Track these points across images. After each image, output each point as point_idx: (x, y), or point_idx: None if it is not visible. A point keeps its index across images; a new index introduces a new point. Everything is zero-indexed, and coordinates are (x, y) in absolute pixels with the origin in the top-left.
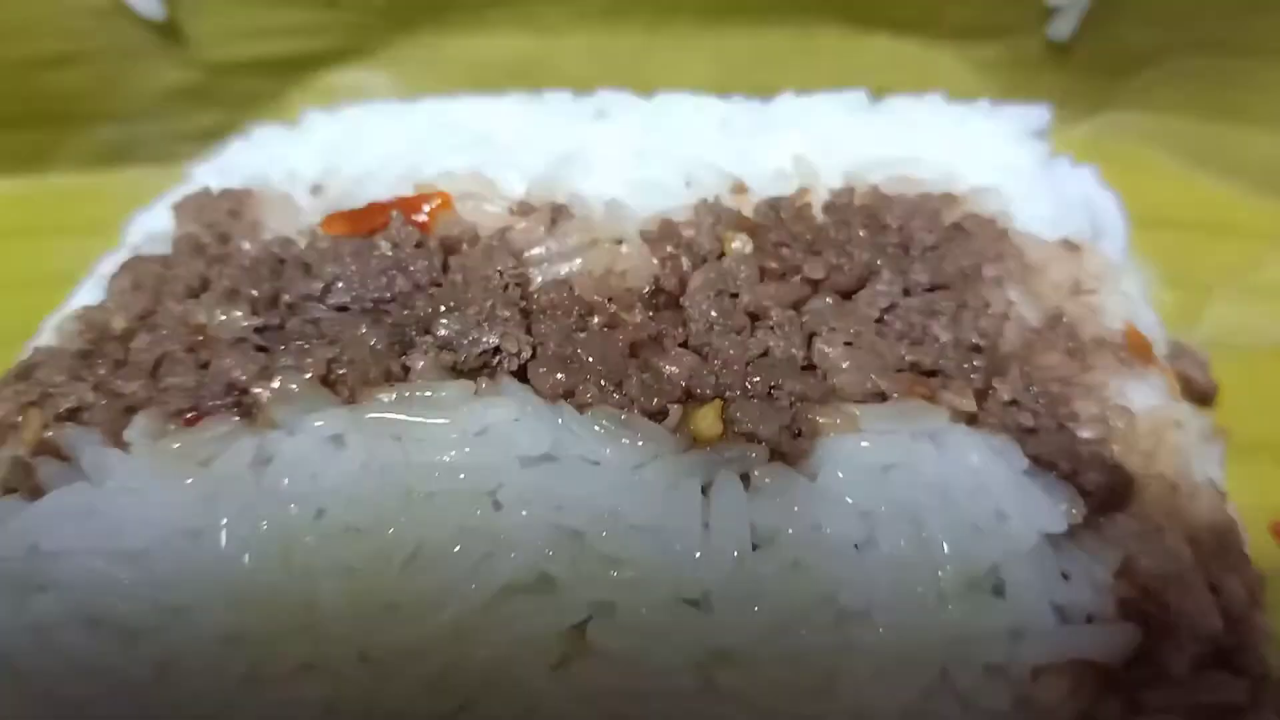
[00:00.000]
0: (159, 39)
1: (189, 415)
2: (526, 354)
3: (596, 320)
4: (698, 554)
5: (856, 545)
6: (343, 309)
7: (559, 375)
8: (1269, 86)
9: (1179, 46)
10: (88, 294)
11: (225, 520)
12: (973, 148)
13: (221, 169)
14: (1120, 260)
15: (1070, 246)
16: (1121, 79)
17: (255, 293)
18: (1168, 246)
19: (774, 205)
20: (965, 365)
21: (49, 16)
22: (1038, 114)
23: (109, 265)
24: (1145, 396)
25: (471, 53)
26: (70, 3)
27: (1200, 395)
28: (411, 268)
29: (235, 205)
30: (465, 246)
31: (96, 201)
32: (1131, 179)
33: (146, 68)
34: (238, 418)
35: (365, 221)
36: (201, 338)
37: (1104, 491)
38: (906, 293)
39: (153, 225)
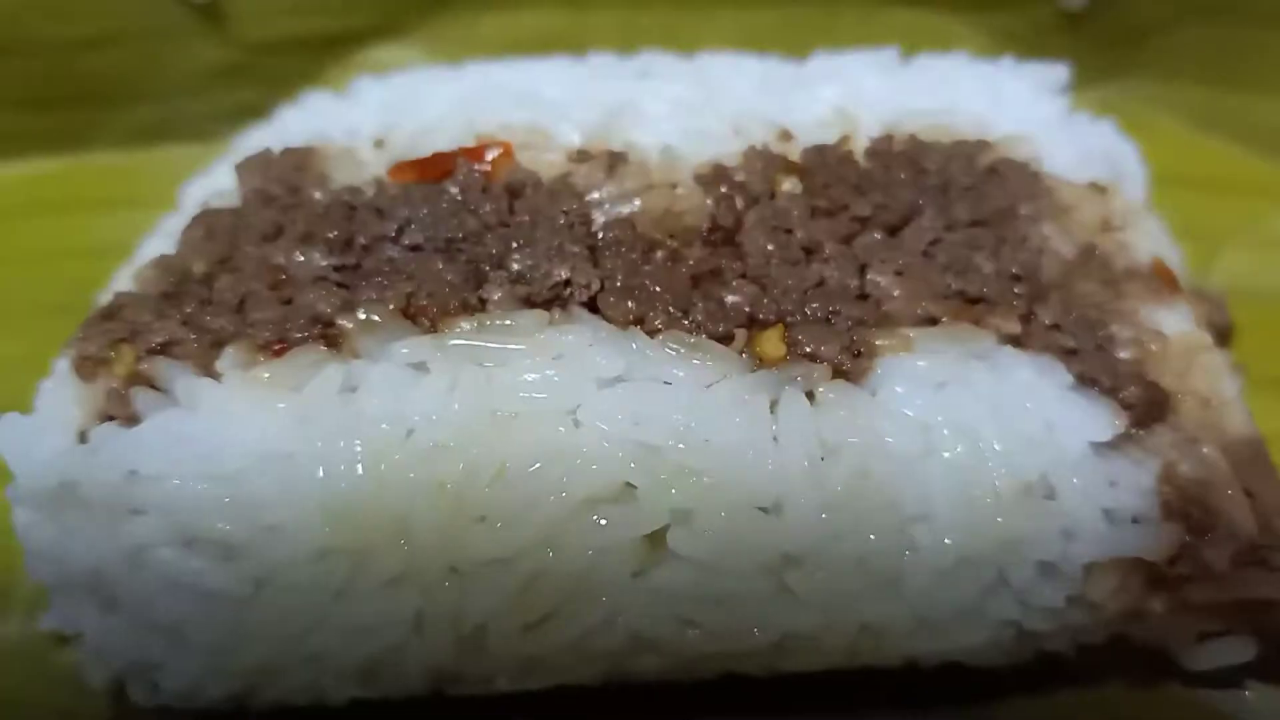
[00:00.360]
0: (199, 18)
1: (276, 346)
2: (596, 285)
3: (659, 255)
4: (769, 464)
5: (917, 455)
6: (416, 248)
7: (628, 304)
8: (1272, 54)
9: (1186, 16)
10: (155, 248)
11: (318, 441)
12: (1000, 100)
13: (277, 133)
14: (1142, 203)
15: (1098, 188)
16: (1132, 47)
17: (331, 235)
18: (1179, 203)
19: (819, 150)
20: (1008, 293)
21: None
22: (1058, 71)
23: (174, 223)
24: (1175, 322)
25: (506, 28)
26: None
27: (1218, 334)
28: (481, 209)
29: (300, 161)
30: (529, 191)
31: (137, 178)
32: (1143, 140)
33: (186, 46)
34: (324, 348)
35: (433, 168)
36: (283, 277)
37: (1143, 405)
38: (949, 228)
39: (213, 186)
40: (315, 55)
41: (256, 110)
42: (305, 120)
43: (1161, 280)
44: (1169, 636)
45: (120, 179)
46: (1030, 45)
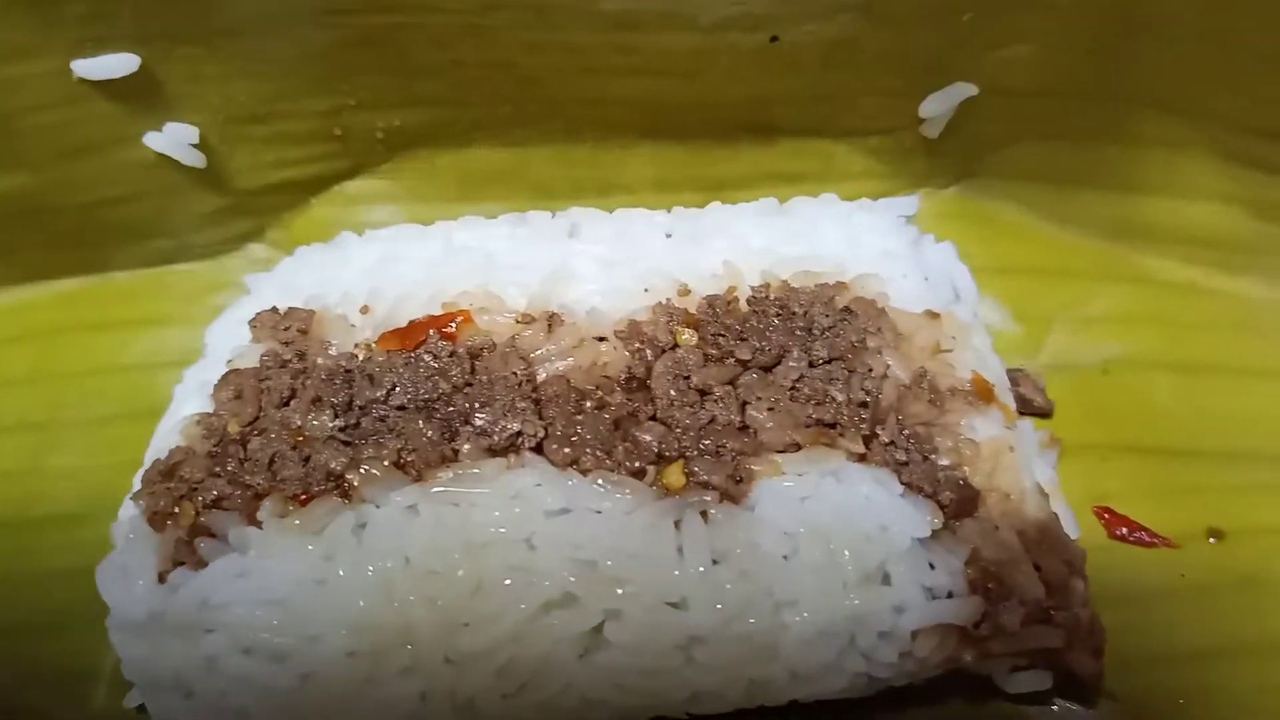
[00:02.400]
0: (198, 176)
1: (303, 497)
2: (541, 434)
3: (588, 404)
4: (675, 572)
5: (785, 556)
6: (402, 408)
7: (566, 450)
8: (1098, 161)
9: (1025, 135)
10: (191, 399)
11: (340, 571)
12: (858, 239)
13: (278, 285)
14: (970, 320)
15: (932, 315)
16: (981, 158)
17: (335, 400)
18: (1017, 288)
19: (711, 302)
20: (855, 418)
21: (106, 170)
22: (907, 203)
23: (200, 372)
24: (987, 428)
25: (459, 164)
26: (125, 159)
27: (1039, 411)
28: (450, 373)
29: (303, 324)
30: (486, 353)
31: (158, 295)
32: (988, 233)
33: (189, 196)
34: (338, 497)
35: (410, 337)
36: (302, 438)
37: (956, 504)
38: (811, 365)
39: (231, 338)
40: (299, 191)
41: (252, 235)
42: (301, 272)
43: (978, 393)
44: (990, 669)
45: (143, 297)
46: (898, 160)
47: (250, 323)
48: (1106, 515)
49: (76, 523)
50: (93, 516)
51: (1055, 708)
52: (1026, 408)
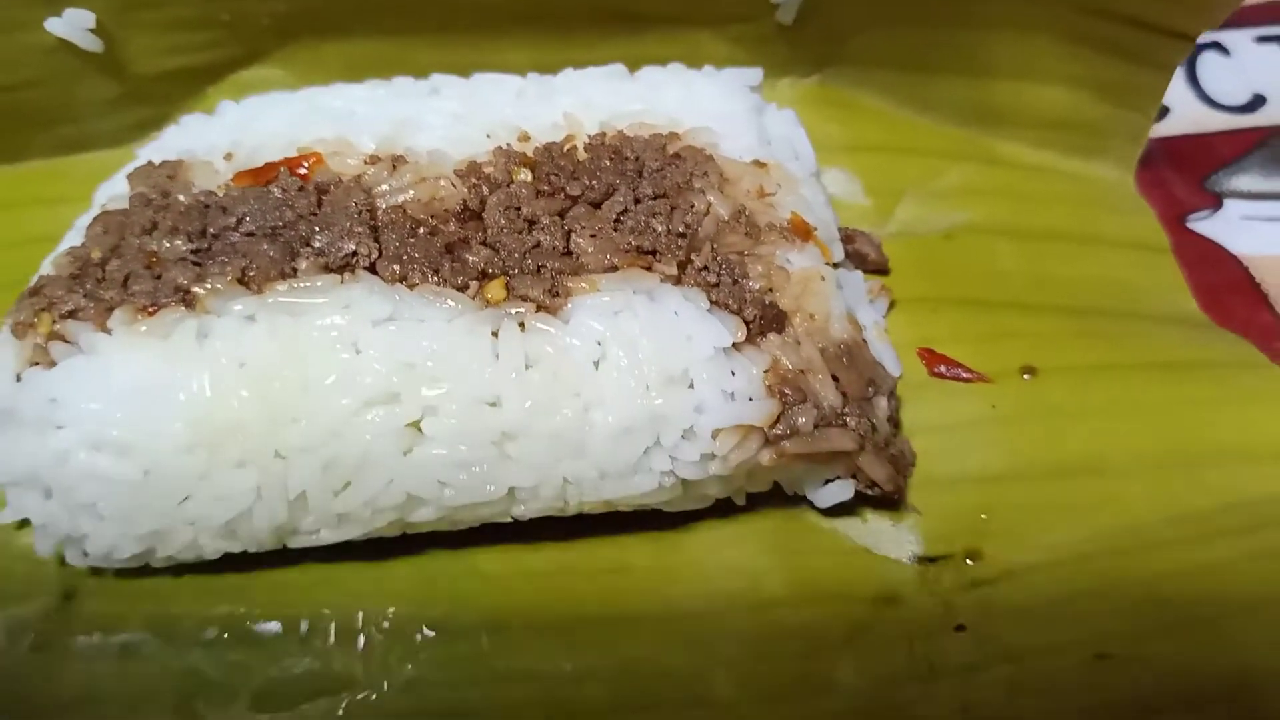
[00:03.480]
0: (99, 62)
1: (150, 309)
2: (374, 255)
3: (422, 230)
4: (489, 372)
5: (595, 362)
6: (250, 234)
7: (396, 267)
8: (949, 46)
9: (880, 20)
10: (71, 240)
11: (180, 373)
12: (696, 101)
13: (160, 147)
14: (804, 176)
15: (759, 164)
16: (836, 45)
17: (190, 229)
18: (871, 165)
19: (548, 147)
20: (673, 246)
21: (8, 56)
22: (752, 74)
23: (83, 220)
24: (801, 260)
25: (345, 52)
26: (26, 43)
27: (875, 267)
28: (296, 204)
29: (171, 171)
30: (333, 188)
31: (65, 180)
32: (847, 116)
33: (91, 84)
34: (184, 308)
35: (263, 175)
36: (155, 259)
37: (761, 321)
38: (637, 201)
39: (113, 190)
40: (195, 80)
41: (156, 122)
42: (182, 137)
43: (796, 230)
44: (803, 484)
45: (49, 180)
46: (760, 47)
47: (128, 176)
48: (927, 355)
49: None
50: None
51: (866, 521)
52: (862, 263)
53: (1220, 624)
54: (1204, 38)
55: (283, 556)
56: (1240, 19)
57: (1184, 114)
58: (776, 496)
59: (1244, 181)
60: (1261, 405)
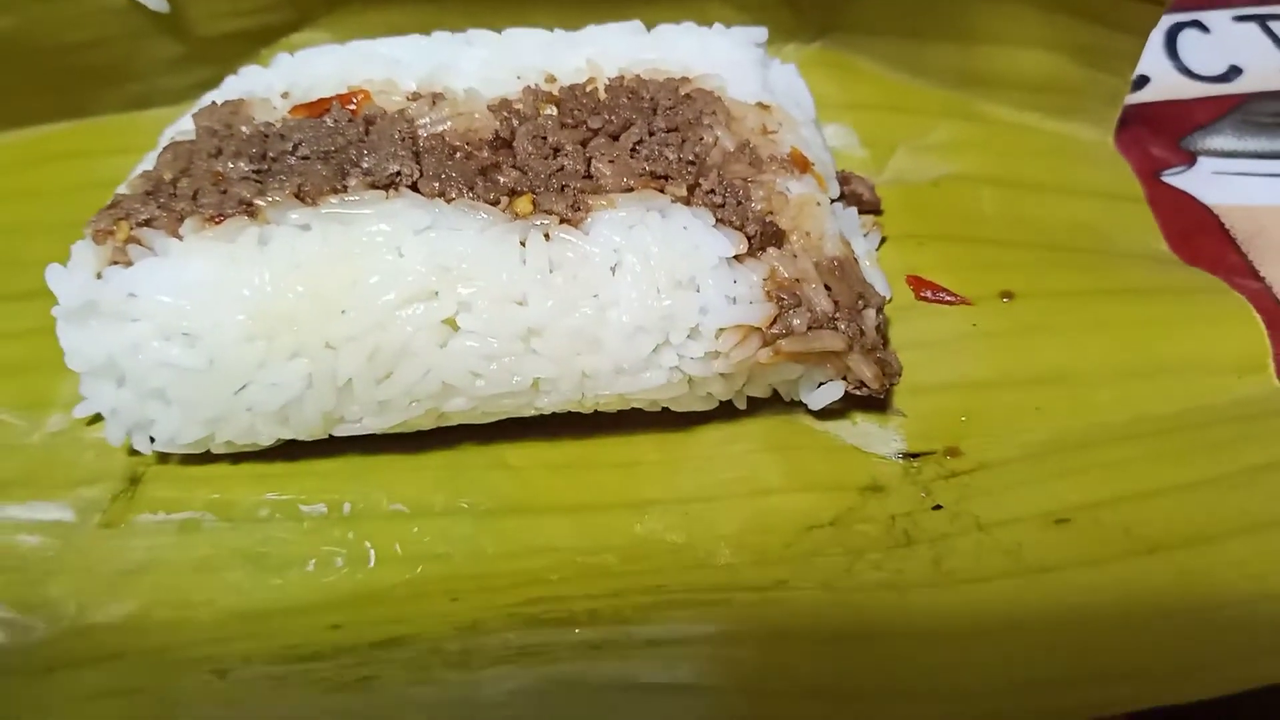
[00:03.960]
0: (164, 24)
1: (217, 218)
2: (416, 174)
3: (459, 155)
4: (518, 274)
5: (611, 268)
6: (305, 158)
7: (435, 184)
8: (940, 14)
9: None
10: (144, 168)
11: (244, 272)
12: (707, 52)
13: (221, 93)
14: (803, 118)
15: (763, 106)
16: (838, 13)
17: (251, 153)
18: (868, 120)
19: (572, 88)
20: (683, 172)
21: (81, 14)
22: (758, 32)
23: (153, 155)
24: (800, 188)
25: (386, 18)
26: (97, 3)
27: (868, 206)
28: (346, 133)
29: (234, 108)
30: (379, 120)
31: (133, 132)
32: (847, 79)
33: (157, 44)
34: (247, 218)
35: (316, 109)
36: (220, 179)
37: (761, 236)
38: (651, 134)
39: (179, 128)
40: (251, 43)
41: (214, 83)
42: (241, 84)
43: (795, 162)
44: (798, 388)
45: (118, 133)
46: (765, 14)
47: (193, 115)
48: (914, 281)
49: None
50: None
51: (855, 424)
52: (857, 202)
53: (1169, 495)
54: (1184, 16)
55: (328, 447)
56: (1220, 0)
57: (1162, 83)
58: (774, 403)
59: (1217, 142)
60: (1221, 324)
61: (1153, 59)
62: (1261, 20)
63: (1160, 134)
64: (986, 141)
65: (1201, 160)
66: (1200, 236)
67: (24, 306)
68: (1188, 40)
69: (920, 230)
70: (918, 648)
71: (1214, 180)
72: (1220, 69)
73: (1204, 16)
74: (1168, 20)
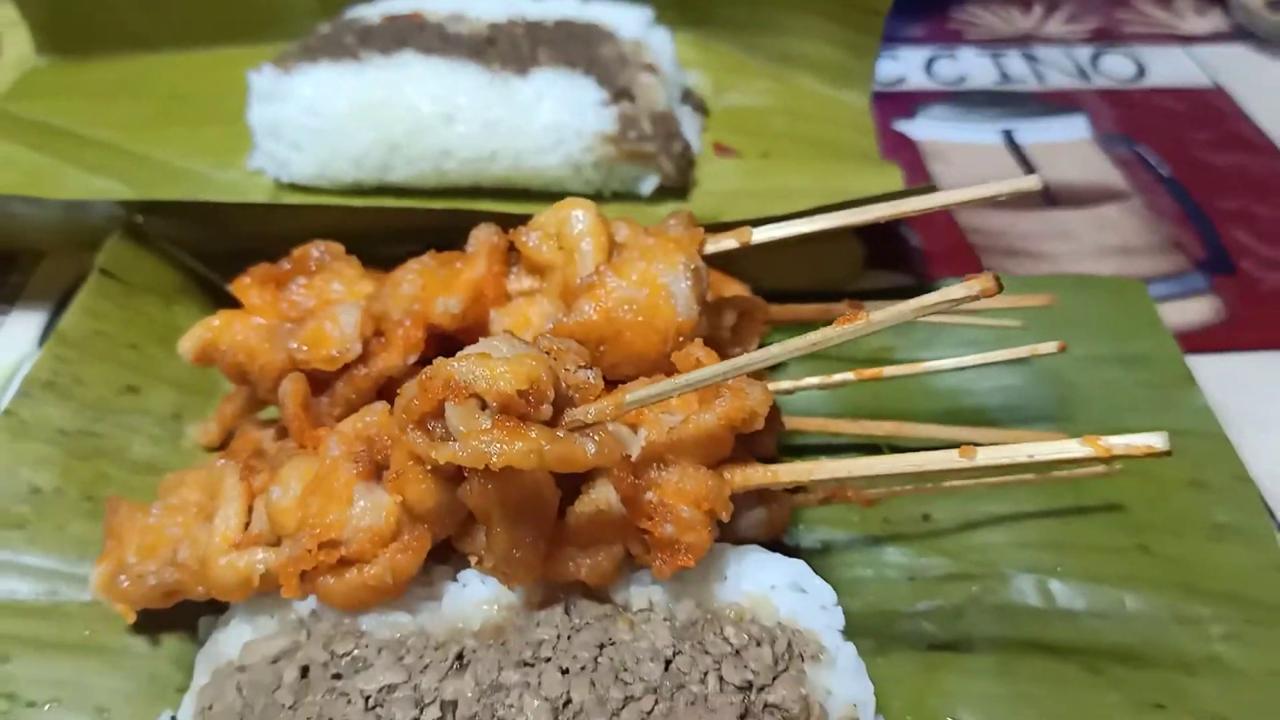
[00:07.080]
0: None
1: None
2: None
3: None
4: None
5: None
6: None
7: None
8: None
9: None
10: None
11: (351, 83)
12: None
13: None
14: (665, 55)
15: (637, 44)
16: (705, 12)
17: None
18: (715, 77)
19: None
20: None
21: None
22: (645, 11)
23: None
24: (649, 79)
25: None
26: None
27: (701, 109)
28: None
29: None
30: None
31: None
32: (706, 54)
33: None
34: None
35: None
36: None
37: (620, 94)
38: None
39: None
40: None
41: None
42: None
43: (647, 67)
44: (637, 185)
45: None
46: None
47: None
48: (718, 146)
49: None
50: None
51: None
52: (695, 104)
53: None
54: (939, 50)
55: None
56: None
57: (913, 84)
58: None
59: (935, 111)
60: (877, 174)
61: (914, 77)
62: (993, 54)
63: (899, 106)
64: (786, 93)
65: (920, 117)
66: (900, 153)
67: None
68: (940, 63)
69: (729, 127)
70: None
71: (922, 125)
72: (955, 78)
73: (956, 51)
74: (930, 50)
